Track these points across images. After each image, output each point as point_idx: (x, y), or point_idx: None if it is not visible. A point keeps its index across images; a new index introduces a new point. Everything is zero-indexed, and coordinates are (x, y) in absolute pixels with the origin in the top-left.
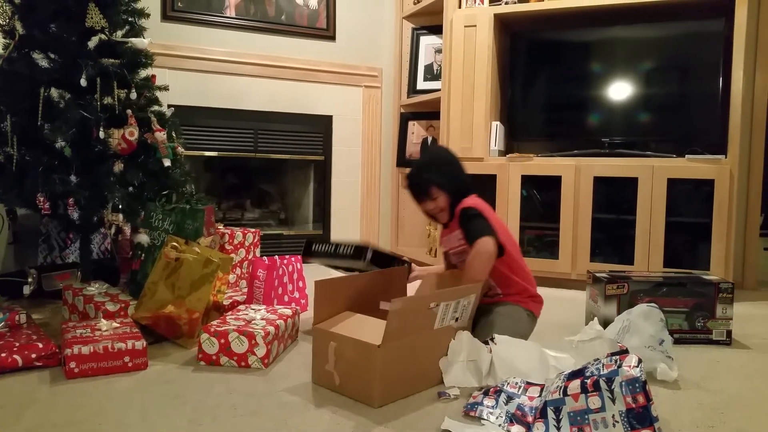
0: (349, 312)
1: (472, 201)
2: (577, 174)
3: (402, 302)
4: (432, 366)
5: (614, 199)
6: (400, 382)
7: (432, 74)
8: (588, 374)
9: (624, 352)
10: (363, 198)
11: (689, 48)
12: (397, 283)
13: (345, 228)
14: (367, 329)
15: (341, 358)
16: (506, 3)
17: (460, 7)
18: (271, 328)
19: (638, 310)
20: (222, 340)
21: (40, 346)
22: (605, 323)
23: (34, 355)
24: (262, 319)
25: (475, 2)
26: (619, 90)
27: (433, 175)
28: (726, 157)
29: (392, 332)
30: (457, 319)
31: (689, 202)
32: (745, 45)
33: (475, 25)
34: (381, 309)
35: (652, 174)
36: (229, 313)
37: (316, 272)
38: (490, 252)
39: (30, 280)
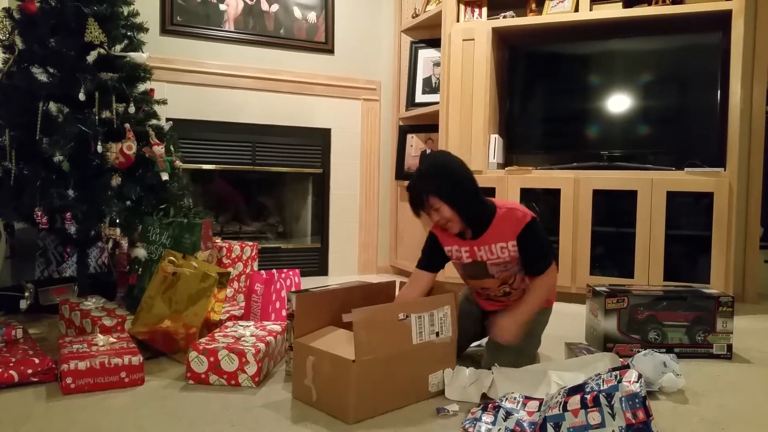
0: (332, 327)
1: (520, 210)
2: (576, 187)
3: (362, 312)
4: (413, 383)
5: (614, 212)
6: (377, 399)
7: (430, 87)
8: (588, 389)
9: (625, 367)
10: (362, 211)
11: (687, 61)
12: (384, 297)
13: (344, 241)
14: (347, 344)
15: (318, 372)
16: (504, 17)
17: (458, 20)
18: (262, 345)
19: (636, 357)
20: (211, 359)
21: (37, 361)
22: (605, 337)
23: (30, 371)
24: (252, 335)
25: (473, 16)
26: (618, 103)
27: (430, 183)
28: (725, 170)
29: (364, 346)
30: (438, 334)
31: (689, 215)
32: (742, 58)
33: (473, 39)
34: (345, 322)
35: (651, 187)
36: (217, 330)
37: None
38: (554, 276)
39: (27, 294)
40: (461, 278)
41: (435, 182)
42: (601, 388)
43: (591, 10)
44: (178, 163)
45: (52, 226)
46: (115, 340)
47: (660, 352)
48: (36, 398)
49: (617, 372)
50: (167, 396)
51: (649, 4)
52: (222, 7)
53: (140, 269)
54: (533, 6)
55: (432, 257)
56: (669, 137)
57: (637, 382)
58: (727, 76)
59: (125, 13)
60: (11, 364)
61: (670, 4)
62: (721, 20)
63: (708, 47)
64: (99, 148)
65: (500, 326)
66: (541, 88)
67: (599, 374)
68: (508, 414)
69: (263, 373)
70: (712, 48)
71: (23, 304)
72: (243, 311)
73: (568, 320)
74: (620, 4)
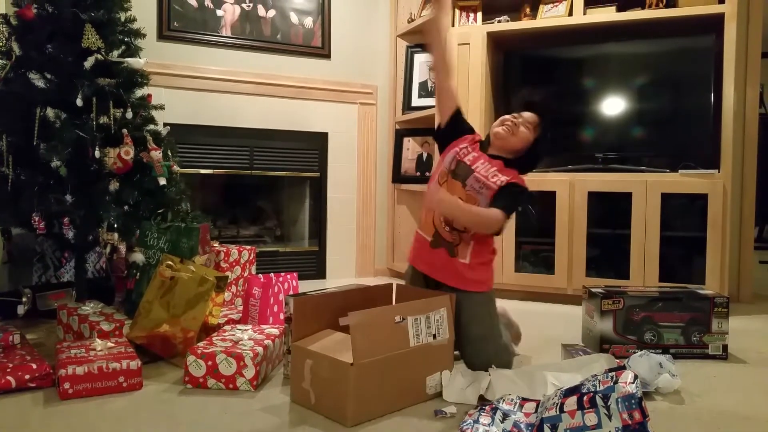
0: (330, 330)
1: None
2: (571, 189)
3: (360, 316)
4: (410, 385)
5: (609, 214)
6: (375, 402)
7: (426, 91)
8: (584, 390)
9: (621, 368)
10: (359, 214)
11: (681, 64)
12: (382, 300)
13: (341, 244)
14: (345, 347)
15: (317, 376)
16: (498, 21)
17: (453, 25)
18: (260, 349)
19: (632, 358)
20: (209, 362)
21: (34, 366)
22: (601, 338)
23: (27, 376)
24: (250, 339)
25: (468, 21)
26: (612, 105)
27: (548, 120)
28: (719, 172)
29: (362, 349)
30: (435, 336)
31: (683, 217)
32: (735, 61)
33: (468, 43)
34: (341, 325)
35: (646, 189)
36: (215, 334)
37: (312, 289)
38: (496, 228)
39: (24, 299)
40: (430, 182)
41: (549, 124)
42: (598, 389)
43: (585, 14)
44: (175, 167)
45: (50, 231)
46: (113, 344)
47: (656, 353)
48: (33, 404)
49: (613, 373)
50: (165, 400)
51: (643, 8)
52: (219, 12)
53: (138, 274)
54: (527, 10)
55: (459, 115)
56: (663, 139)
57: (633, 383)
58: (720, 78)
59: (122, 19)
60: (8, 370)
61: (664, 8)
62: (714, 24)
63: (701, 50)
64: (97, 154)
65: (432, 195)
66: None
67: (595, 375)
68: (506, 416)
69: (261, 376)
70: (705, 51)
71: (21, 310)
72: (241, 315)
73: (565, 321)
74: (614, 8)
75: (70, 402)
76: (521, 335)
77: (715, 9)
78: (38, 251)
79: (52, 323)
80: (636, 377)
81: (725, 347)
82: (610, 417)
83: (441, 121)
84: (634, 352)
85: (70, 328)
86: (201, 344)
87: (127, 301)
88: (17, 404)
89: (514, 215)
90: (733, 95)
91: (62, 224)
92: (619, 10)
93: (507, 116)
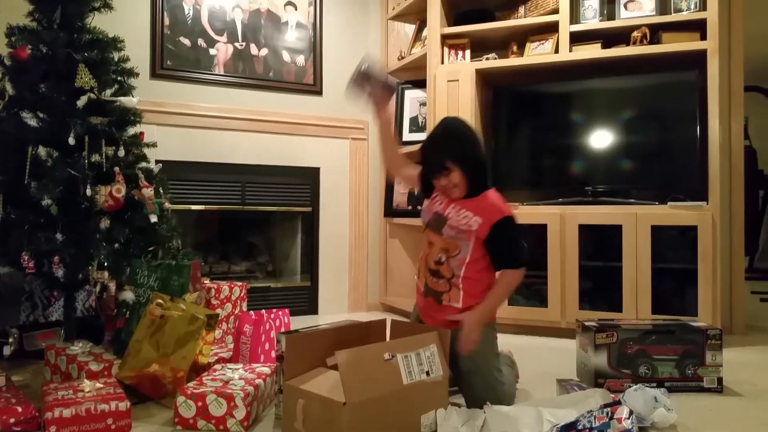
0: (323, 368)
1: (504, 205)
2: (562, 222)
3: (347, 354)
4: (405, 424)
5: (600, 247)
6: None
7: (417, 126)
8: (580, 427)
9: (616, 403)
10: (351, 248)
11: (666, 99)
12: (376, 336)
13: (334, 279)
14: (338, 386)
15: (309, 416)
16: (486, 59)
17: (442, 62)
18: (251, 389)
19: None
20: (199, 403)
21: (19, 410)
22: (596, 373)
23: (12, 420)
24: (240, 378)
25: (457, 58)
26: (600, 139)
27: (448, 148)
28: (707, 204)
29: (353, 388)
30: (428, 373)
31: (674, 249)
32: (719, 95)
33: (457, 80)
34: (329, 365)
35: (636, 221)
36: (205, 373)
37: (305, 325)
38: (519, 281)
39: (11, 340)
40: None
41: (454, 147)
42: (593, 425)
43: (571, 51)
44: (167, 204)
45: (39, 270)
46: (101, 385)
47: (651, 387)
48: None
49: (609, 408)
50: None
51: (627, 45)
52: (212, 51)
53: (128, 312)
54: (515, 48)
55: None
56: (651, 172)
57: (628, 418)
58: (705, 112)
59: (115, 59)
60: None
61: (648, 45)
62: (697, 59)
63: (685, 85)
64: (88, 192)
65: (460, 338)
66: (525, 126)
67: (591, 411)
68: None
69: (252, 417)
70: (689, 86)
71: (7, 350)
72: (231, 353)
73: (559, 355)
74: (599, 45)
75: None
76: (518, 375)
77: (697, 45)
78: (26, 290)
79: (39, 364)
80: (631, 413)
81: (720, 380)
82: None
83: (417, 189)
84: (629, 386)
85: (57, 368)
86: (191, 384)
87: (117, 341)
88: None
89: (523, 250)
90: (718, 128)
91: (52, 263)
92: (604, 47)
93: (436, 182)
